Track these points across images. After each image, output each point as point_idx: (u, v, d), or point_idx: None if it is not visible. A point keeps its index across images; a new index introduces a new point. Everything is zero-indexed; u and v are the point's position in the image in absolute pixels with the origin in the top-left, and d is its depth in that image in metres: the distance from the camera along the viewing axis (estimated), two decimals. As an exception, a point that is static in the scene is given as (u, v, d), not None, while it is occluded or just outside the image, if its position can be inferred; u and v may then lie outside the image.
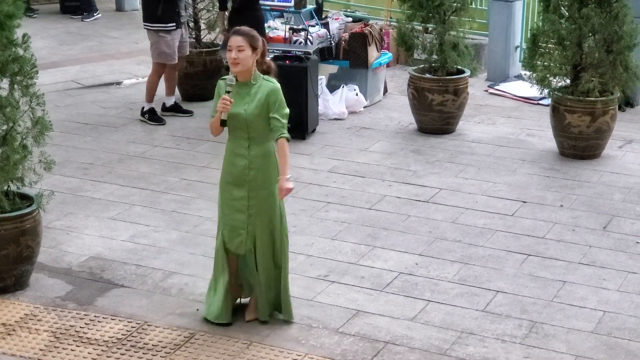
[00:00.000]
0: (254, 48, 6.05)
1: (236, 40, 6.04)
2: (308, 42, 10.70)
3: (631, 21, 9.51)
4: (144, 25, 10.61)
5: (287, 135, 6.11)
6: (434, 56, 10.49)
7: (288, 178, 6.09)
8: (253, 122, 6.08)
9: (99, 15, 16.60)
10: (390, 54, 12.17)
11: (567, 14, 9.59)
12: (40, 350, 6.07)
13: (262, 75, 6.16)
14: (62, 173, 8.96)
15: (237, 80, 6.10)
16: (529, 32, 10.74)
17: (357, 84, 11.29)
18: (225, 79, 6.17)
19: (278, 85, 6.14)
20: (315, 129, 10.40)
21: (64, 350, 6.06)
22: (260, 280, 6.32)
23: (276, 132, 6.10)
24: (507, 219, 8.15)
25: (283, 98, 6.13)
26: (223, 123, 6.08)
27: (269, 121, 6.10)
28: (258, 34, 6.16)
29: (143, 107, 10.78)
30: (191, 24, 11.63)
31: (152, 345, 6.13)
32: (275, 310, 6.47)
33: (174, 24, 10.46)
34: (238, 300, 6.57)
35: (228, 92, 6.03)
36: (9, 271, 6.70)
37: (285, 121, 6.10)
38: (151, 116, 10.69)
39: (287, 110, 6.15)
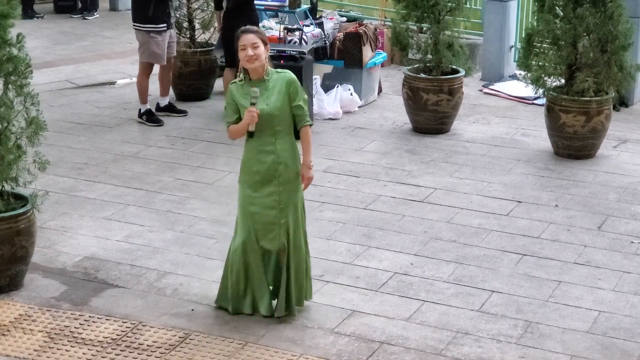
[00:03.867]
0: (265, 43, 6.16)
1: (249, 38, 6.09)
2: (302, 41, 10.70)
3: (626, 21, 9.51)
4: (134, 25, 10.58)
5: (310, 122, 6.28)
6: (429, 56, 10.49)
7: (312, 166, 6.31)
8: (278, 115, 6.14)
9: (98, 15, 16.63)
10: (384, 54, 12.16)
11: (561, 13, 9.59)
12: (35, 350, 6.06)
13: (273, 69, 6.23)
14: (56, 173, 8.94)
15: (251, 78, 6.18)
16: (523, 31, 10.76)
17: (352, 84, 11.28)
18: (235, 82, 6.24)
19: (293, 74, 6.24)
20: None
21: (59, 351, 6.05)
22: (290, 276, 6.34)
23: (300, 121, 6.23)
24: (502, 219, 8.15)
25: (300, 84, 6.25)
26: (250, 135, 6.16)
27: (290, 111, 6.19)
28: (262, 29, 6.25)
29: (140, 109, 10.75)
30: (185, 24, 11.62)
31: (147, 345, 6.12)
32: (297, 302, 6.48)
33: (165, 24, 10.44)
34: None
35: (253, 104, 6.09)
36: (3, 271, 6.68)
37: (306, 107, 6.25)
38: (149, 117, 10.67)
39: (306, 95, 6.28)
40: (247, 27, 6.28)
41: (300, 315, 6.49)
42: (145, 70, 10.66)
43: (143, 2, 10.37)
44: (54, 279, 7.03)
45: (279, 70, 6.25)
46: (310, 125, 6.28)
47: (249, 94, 6.11)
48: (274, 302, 6.46)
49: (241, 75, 6.21)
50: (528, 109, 11.40)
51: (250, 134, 6.16)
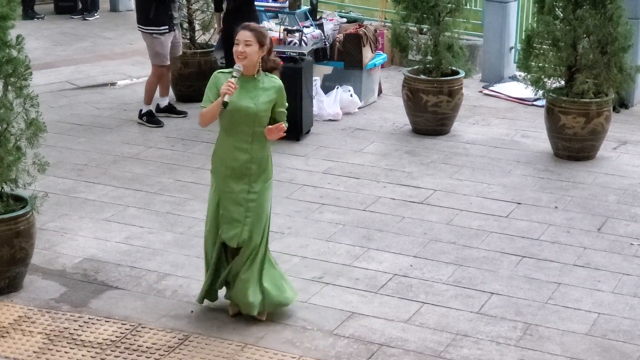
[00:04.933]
0: (261, 44, 6.14)
1: (244, 35, 6.12)
2: (302, 43, 10.69)
3: (625, 22, 9.51)
4: (138, 27, 10.60)
5: (286, 125, 6.27)
6: (429, 57, 10.49)
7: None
8: (261, 117, 6.16)
9: (98, 15, 16.64)
10: (384, 55, 12.16)
11: (561, 15, 9.59)
12: (34, 352, 6.06)
13: (263, 72, 6.24)
14: (56, 174, 8.94)
15: (243, 74, 6.16)
16: (523, 33, 10.76)
17: (352, 85, 11.28)
18: (223, 72, 6.22)
19: (281, 82, 6.30)
20: (309, 130, 10.39)
21: (58, 353, 6.05)
22: (253, 272, 6.34)
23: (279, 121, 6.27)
24: (501, 221, 8.15)
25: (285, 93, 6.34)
26: (225, 105, 6.05)
27: (271, 115, 6.24)
28: (266, 31, 6.22)
29: (141, 110, 10.75)
30: (185, 25, 11.63)
31: (146, 347, 6.12)
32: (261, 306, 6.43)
33: (166, 27, 10.44)
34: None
35: (234, 77, 6.08)
36: (3, 273, 6.68)
37: (286, 113, 6.34)
38: (149, 118, 10.66)
39: (287, 104, 6.37)
40: (248, 24, 6.28)
41: (299, 317, 6.49)
42: (157, 72, 10.64)
43: (145, 4, 10.38)
44: (54, 280, 7.03)
45: (268, 74, 6.25)
46: (285, 128, 6.25)
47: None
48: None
49: (235, 67, 6.15)
50: (528, 111, 11.40)
51: (225, 105, 6.04)
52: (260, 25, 10.85)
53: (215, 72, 6.26)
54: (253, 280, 6.36)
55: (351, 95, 11.19)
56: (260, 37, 6.15)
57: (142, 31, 10.53)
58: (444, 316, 6.56)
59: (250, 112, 6.13)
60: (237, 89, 6.08)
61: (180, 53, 10.92)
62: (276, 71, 6.32)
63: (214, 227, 6.40)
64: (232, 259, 6.43)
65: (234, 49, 6.15)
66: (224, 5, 10.70)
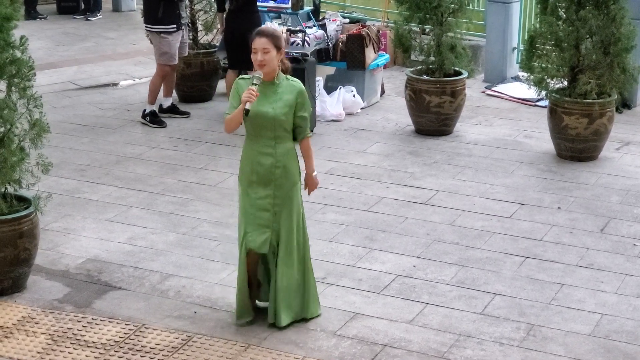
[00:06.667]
0: (278, 48, 6.09)
1: (261, 42, 6.05)
2: (305, 43, 10.70)
3: (628, 23, 9.51)
4: (145, 27, 10.61)
5: (310, 134, 6.30)
6: (431, 58, 10.49)
7: (315, 174, 6.40)
8: (281, 121, 6.12)
9: (100, 15, 16.65)
10: (387, 56, 12.15)
11: (564, 15, 9.59)
12: (38, 353, 6.06)
13: (283, 74, 6.20)
14: (59, 175, 8.95)
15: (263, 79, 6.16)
16: (526, 33, 10.76)
17: (355, 86, 11.29)
18: (245, 78, 6.21)
19: (302, 85, 6.23)
20: (312, 131, 10.37)
21: (62, 353, 6.05)
22: (281, 282, 6.31)
23: (300, 133, 6.24)
24: (504, 221, 8.15)
25: (308, 97, 6.27)
26: (247, 112, 6.03)
27: (293, 120, 6.18)
28: (280, 33, 6.19)
29: (144, 110, 10.76)
30: (189, 25, 11.63)
31: (150, 348, 6.12)
32: (297, 315, 6.43)
33: (175, 25, 10.45)
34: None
35: (255, 84, 6.05)
36: (6, 273, 6.69)
37: (309, 119, 6.26)
38: (152, 119, 10.66)
39: (311, 108, 6.36)
40: (263, 29, 6.25)
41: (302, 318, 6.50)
42: (161, 71, 10.64)
43: (153, 4, 10.39)
44: (57, 281, 7.03)
45: (289, 77, 6.20)
46: (310, 136, 6.29)
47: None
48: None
49: (255, 74, 6.14)
50: (531, 111, 11.40)
51: (247, 112, 6.02)
52: (263, 25, 10.95)
53: (237, 79, 6.24)
54: (311, 287, 6.45)
55: (354, 96, 11.20)
56: (277, 42, 6.09)
57: (149, 30, 10.54)
58: (447, 317, 6.56)
59: (268, 117, 6.11)
60: (258, 95, 6.07)
61: (187, 54, 10.94)
62: (287, 74, 6.25)
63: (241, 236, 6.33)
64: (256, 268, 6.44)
65: (252, 57, 6.09)
66: (227, 6, 10.71)
